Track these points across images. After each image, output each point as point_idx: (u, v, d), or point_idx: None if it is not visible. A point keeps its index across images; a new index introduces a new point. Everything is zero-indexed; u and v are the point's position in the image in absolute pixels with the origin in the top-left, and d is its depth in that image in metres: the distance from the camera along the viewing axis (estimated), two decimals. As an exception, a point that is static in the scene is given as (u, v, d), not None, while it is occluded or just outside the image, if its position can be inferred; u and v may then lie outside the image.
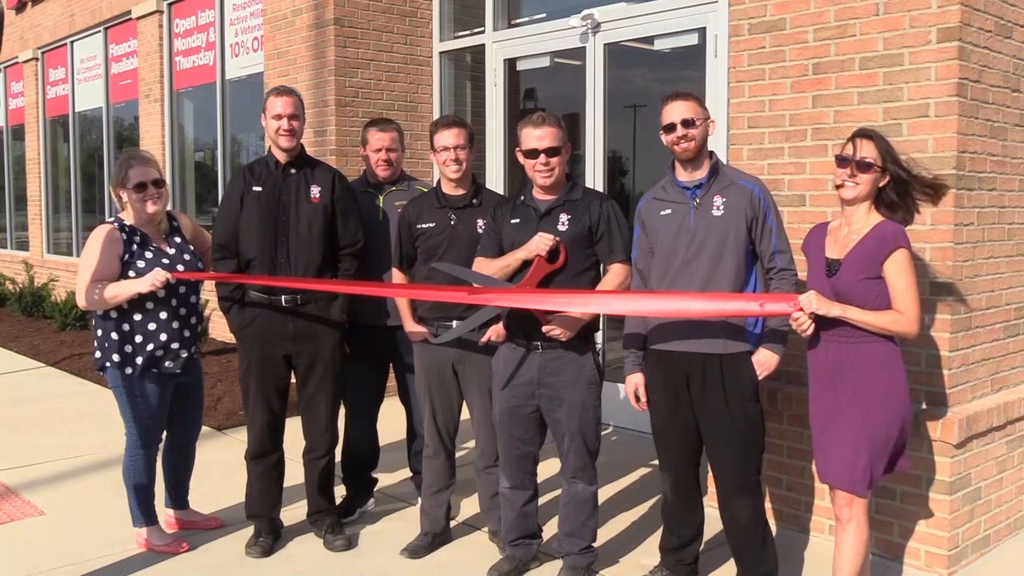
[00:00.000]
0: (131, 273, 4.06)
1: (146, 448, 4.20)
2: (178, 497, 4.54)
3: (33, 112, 13.34)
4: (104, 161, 11.75)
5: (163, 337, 4.12)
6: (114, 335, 4.08)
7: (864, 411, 3.25)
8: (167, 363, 4.13)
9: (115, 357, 4.08)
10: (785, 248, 3.57)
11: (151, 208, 4.11)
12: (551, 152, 3.70)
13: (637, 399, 3.74)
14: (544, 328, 3.66)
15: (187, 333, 4.22)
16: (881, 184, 3.29)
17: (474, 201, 4.16)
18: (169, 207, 4.30)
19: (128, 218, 4.16)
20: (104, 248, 4.04)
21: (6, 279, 13.13)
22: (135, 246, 4.09)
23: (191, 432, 4.50)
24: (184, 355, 4.20)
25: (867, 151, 3.25)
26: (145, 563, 4.14)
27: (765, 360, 3.55)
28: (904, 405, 3.29)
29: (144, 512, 4.27)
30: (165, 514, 4.51)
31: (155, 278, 3.97)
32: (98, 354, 4.14)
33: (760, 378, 3.55)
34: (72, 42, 12.26)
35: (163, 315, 4.12)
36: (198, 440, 4.57)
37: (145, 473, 4.23)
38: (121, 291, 4.00)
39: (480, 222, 4.08)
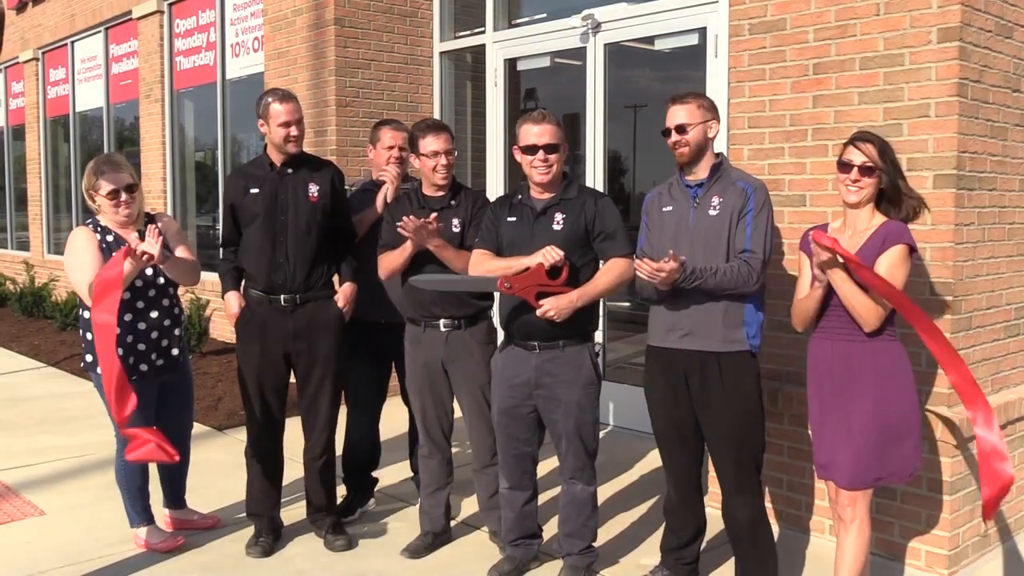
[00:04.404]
0: None
1: (136, 449, 4.20)
2: (174, 496, 4.53)
3: (34, 112, 13.34)
4: (104, 161, 11.73)
5: (153, 336, 4.12)
6: None
7: (873, 409, 3.24)
8: (155, 360, 4.13)
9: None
10: (758, 251, 3.45)
11: (124, 211, 4.10)
12: (550, 149, 3.70)
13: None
14: (539, 312, 3.61)
15: (177, 330, 4.25)
16: (881, 186, 3.30)
17: (452, 202, 4.15)
18: (167, 208, 4.30)
19: (104, 219, 4.16)
20: (93, 247, 4.02)
21: (6, 279, 13.13)
22: (105, 246, 4.07)
23: (180, 430, 4.44)
24: (175, 352, 4.21)
25: (869, 155, 3.26)
26: (145, 563, 4.13)
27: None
28: (912, 404, 3.28)
29: (139, 512, 4.27)
30: (163, 514, 4.51)
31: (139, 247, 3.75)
32: (88, 357, 4.13)
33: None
34: (72, 42, 12.26)
35: (154, 314, 4.12)
36: (198, 440, 4.56)
37: (138, 474, 4.22)
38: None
39: (455, 221, 4.08)
